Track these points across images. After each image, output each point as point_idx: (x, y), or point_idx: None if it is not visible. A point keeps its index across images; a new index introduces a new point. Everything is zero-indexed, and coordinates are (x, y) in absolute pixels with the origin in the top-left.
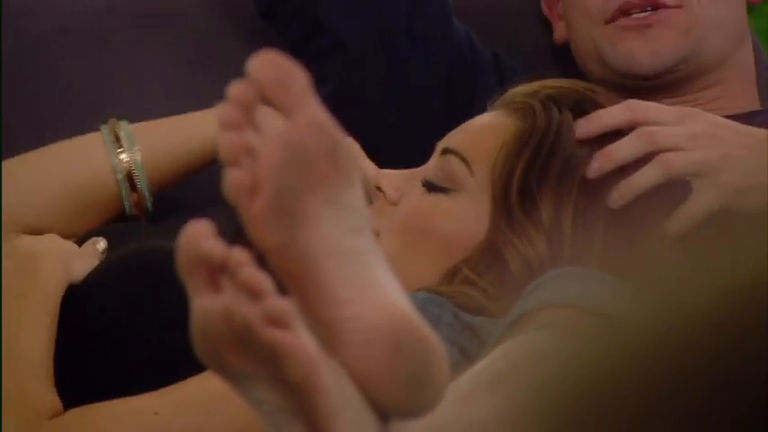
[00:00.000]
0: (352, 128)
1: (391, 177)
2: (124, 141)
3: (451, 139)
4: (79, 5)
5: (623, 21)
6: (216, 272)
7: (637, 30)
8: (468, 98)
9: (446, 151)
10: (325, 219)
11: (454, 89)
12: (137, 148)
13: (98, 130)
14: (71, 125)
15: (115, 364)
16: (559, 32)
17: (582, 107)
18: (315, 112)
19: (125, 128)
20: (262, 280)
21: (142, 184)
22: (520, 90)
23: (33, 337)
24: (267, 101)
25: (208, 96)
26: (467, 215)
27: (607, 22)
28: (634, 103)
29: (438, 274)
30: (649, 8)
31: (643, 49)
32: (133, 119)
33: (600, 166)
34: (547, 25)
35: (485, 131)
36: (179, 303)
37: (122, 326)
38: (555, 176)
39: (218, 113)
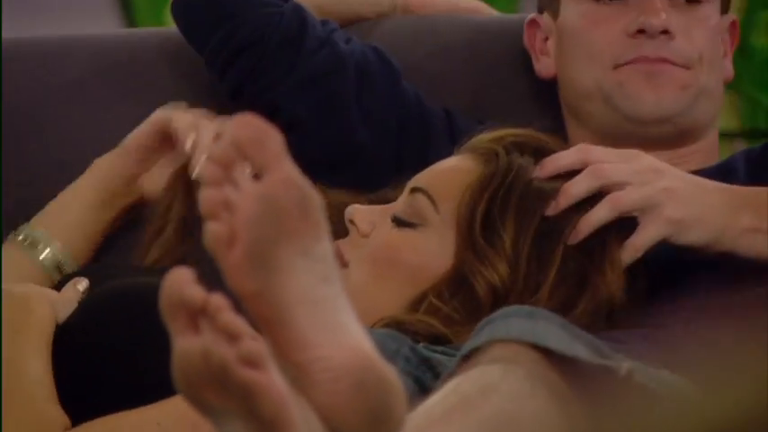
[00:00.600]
0: None
1: (363, 212)
2: (39, 242)
3: (419, 179)
4: (68, 69)
5: (634, 66)
6: (196, 315)
7: (645, 76)
8: (421, 157)
9: (414, 190)
10: (297, 269)
11: (405, 151)
12: (53, 243)
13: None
14: (64, 174)
15: (105, 392)
16: (545, 68)
17: (540, 152)
18: (288, 169)
19: (33, 231)
20: (238, 323)
21: (72, 266)
22: (485, 136)
23: (36, 363)
24: (245, 159)
25: None
26: (431, 248)
27: (616, 67)
28: (585, 147)
29: (404, 302)
30: (660, 63)
31: (649, 94)
32: None
33: (559, 202)
34: (502, 78)
35: (450, 173)
36: (160, 334)
37: (108, 357)
38: (514, 210)
39: (199, 171)
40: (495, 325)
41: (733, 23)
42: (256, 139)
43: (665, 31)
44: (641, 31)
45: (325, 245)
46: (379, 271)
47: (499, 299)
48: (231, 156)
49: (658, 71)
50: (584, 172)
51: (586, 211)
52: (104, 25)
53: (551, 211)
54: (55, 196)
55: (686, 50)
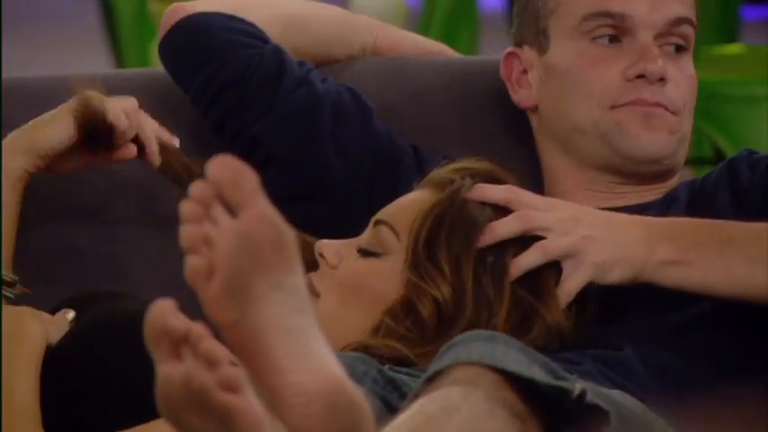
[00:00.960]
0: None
1: (331, 245)
2: None
3: (383, 212)
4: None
5: (632, 108)
6: (178, 343)
7: (643, 118)
8: (392, 191)
9: (378, 222)
10: (271, 300)
11: (377, 184)
12: None
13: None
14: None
15: (92, 416)
16: (525, 99)
17: (491, 182)
18: (263, 207)
19: None
20: (218, 350)
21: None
22: (442, 169)
23: (24, 384)
24: (222, 197)
25: None
26: (394, 274)
27: (612, 108)
28: (514, 188)
29: (370, 325)
30: (656, 107)
31: (646, 135)
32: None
33: (486, 238)
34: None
35: (409, 204)
36: (144, 357)
37: (99, 380)
38: (446, 235)
39: (181, 209)
40: (458, 348)
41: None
42: (233, 178)
43: (661, 78)
44: (640, 77)
45: (299, 278)
46: (346, 298)
47: (445, 319)
48: (210, 194)
49: (654, 114)
50: (513, 215)
51: (516, 250)
52: (94, 60)
53: (481, 243)
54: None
55: (676, 97)
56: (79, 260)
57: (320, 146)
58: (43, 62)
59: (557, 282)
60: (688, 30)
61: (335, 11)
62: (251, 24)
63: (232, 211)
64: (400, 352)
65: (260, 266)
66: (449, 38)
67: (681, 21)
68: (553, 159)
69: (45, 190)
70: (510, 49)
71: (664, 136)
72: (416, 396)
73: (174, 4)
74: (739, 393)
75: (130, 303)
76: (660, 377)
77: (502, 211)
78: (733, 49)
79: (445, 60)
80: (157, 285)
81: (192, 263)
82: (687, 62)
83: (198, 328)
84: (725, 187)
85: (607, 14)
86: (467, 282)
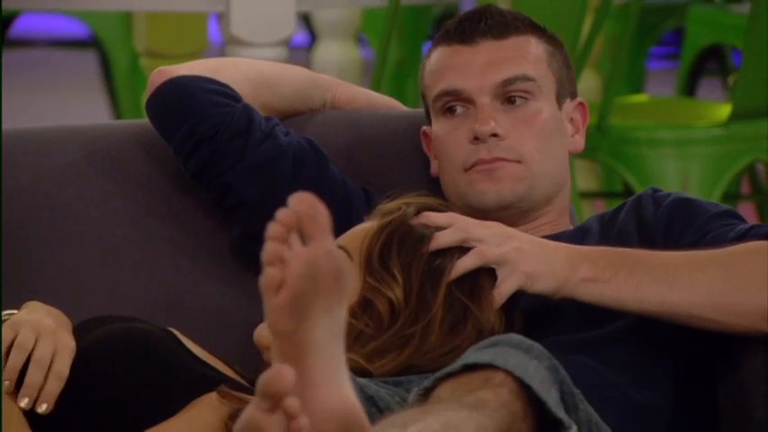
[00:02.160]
0: (255, 258)
1: None
2: None
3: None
4: (62, 155)
5: (476, 168)
6: (278, 405)
7: (486, 174)
8: (346, 223)
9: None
10: (321, 321)
11: (332, 217)
12: None
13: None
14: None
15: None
16: (434, 168)
17: (426, 209)
18: (330, 243)
19: None
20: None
21: None
22: (390, 203)
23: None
24: (299, 227)
25: None
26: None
27: (466, 170)
28: (454, 215)
29: None
30: (496, 162)
31: (490, 188)
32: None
33: (431, 245)
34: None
35: (360, 231)
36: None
37: (117, 386)
38: (397, 246)
39: (268, 229)
40: (499, 349)
41: (580, 104)
42: (311, 214)
43: (495, 135)
44: (476, 138)
45: (344, 309)
46: None
47: (396, 314)
48: (292, 222)
49: (495, 168)
50: (452, 227)
51: (457, 256)
52: (94, 109)
53: (428, 250)
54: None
55: (516, 147)
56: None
57: (282, 192)
58: (44, 110)
59: (491, 287)
60: (524, 84)
61: (300, 71)
62: (225, 85)
63: (304, 240)
64: (359, 364)
65: (319, 291)
66: (398, 85)
67: (512, 80)
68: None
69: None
70: (423, 128)
71: (509, 185)
72: (450, 376)
73: (159, 68)
74: (653, 403)
75: (135, 324)
76: (578, 385)
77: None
78: (640, 98)
79: (395, 113)
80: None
81: (269, 273)
82: (531, 110)
83: (294, 403)
84: (632, 221)
85: (446, 93)
86: (414, 284)
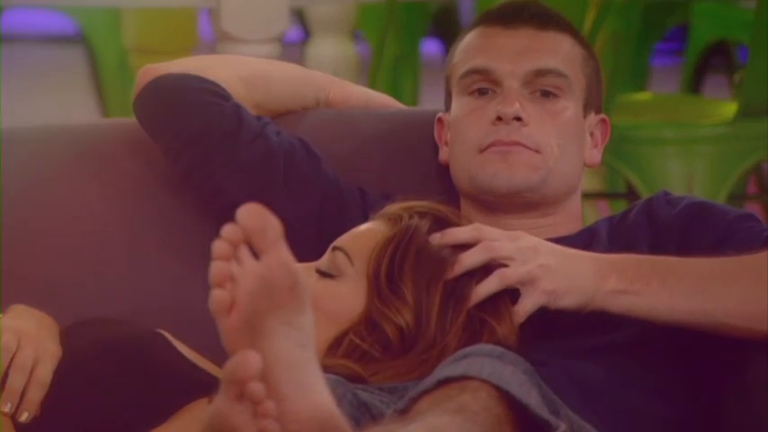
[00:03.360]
0: None
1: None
2: None
3: (340, 240)
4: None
5: (492, 148)
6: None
7: (501, 155)
8: (339, 230)
9: (335, 248)
10: (279, 334)
11: (324, 226)
12: None
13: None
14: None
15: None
16: (443, 155)
17: (437, 219)
18: (283, 254)
19: None
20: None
21: None
22: (394, 205)
23: None
24: (249, 241)
25: None
26: (347, 294)
27: (481, 151)
28: (479, 226)
29: (327, 341)
30: (514, 145)
31: (503, 171)
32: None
33: (455, 270)
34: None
35: (364, 234)
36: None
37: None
38: (411, 266)
39: (213, 247)
40: (472, 360)
41: (603, 121)
42: (260, 226)
43: (519, 118)
44: (499, 119)
45: (306, 317)
46: None
47: (407, 339)
48: (239, 237)
49: (512, 151)
50: (478, 247)
51: (480, 276)
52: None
53: (450, 275)
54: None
55: (537, 136)
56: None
57: (274, 193)
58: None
59: (512, 303)
60: (556, 80)
61: (293, 69)
62: (215, 84)
63: (256, 254)
64: (353, 371)
65: (274, 306)
66: (394, 83)
67: (544, 72)
68: (464, 205)
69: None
70: (438, 115)
71: (523, 171)
72: (425, 393)
73: (148, 65)
74: (660, 409)
75: (124, 328)
76: (585, 391)
77: (461, 246)
78: (643, 96)
79: (389, 112)
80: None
81: (217, 296)
82: (561, 106)
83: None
84: (643, 225)
85: (476, 71)
86: (432, 309)
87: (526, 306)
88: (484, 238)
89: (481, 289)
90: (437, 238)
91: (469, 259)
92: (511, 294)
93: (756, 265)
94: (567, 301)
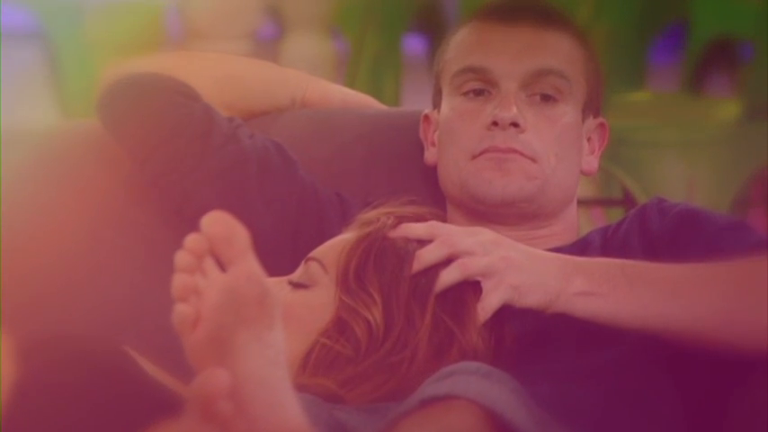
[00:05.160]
0: None
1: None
2: None
3: (315, 251)
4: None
5: (486, 155)
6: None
7: (496, 163)
8: (317, 238)
9: (309, 259)
10: (249, 352)
11: (301, 234)
12: None
13: None
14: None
15: None
16: (430, 156)
17: (409, 221)
18: (251, 265)
19: None
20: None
21: None
22: (372, 212)
23: None
24: (214, 252)
25: None
26: (321, 303)
27: (474, 157)
28: (435, 224)
29: (298, 354)
30: (510, 152)
31: (497, 180)
32: None
33: (414, 266)
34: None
35: (337, 243)
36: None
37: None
38: (374, 263)
39: (175, 258)
40: (456, 378)
41: (601, 125)
42: (226, 235)
43: (515, 124)
44: (495, 124)
45: (276, 333)
46: None
47: (375, 337)
48: (203, 247)
49: (507, 159)
50: (436, 242)
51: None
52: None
53: (409, 272)
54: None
55: (534, 144)
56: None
57: (246, 200)
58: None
59: (475, 303)
60: (556, 81)
61: (265, 67)
62: (183, 84)
63: (222, 265)
64: (330, 390)
65: (242, 321)
66: (375, 82)
67: (545, 72)
68: (450, 212)
69: None
70: (425, 112)
71: (518, 181)
72: (407, 413)
73: (112, 65)
74: None
75: (83, 344)
76: (573, 414)
77: (426, 243)
78: (640, 96)
79: (371, 112)
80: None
81: (180, 310)
82: (558, 111)
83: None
84: (636, 233)
85: (471, 69)
86: (398, 305)
87: (491, 301)
88: (439, 234)
89: (442, 279)
90: (394, 232)
91: (428, 254)
92: (476, 296)
93: (736, 271)
94: (531, 299)
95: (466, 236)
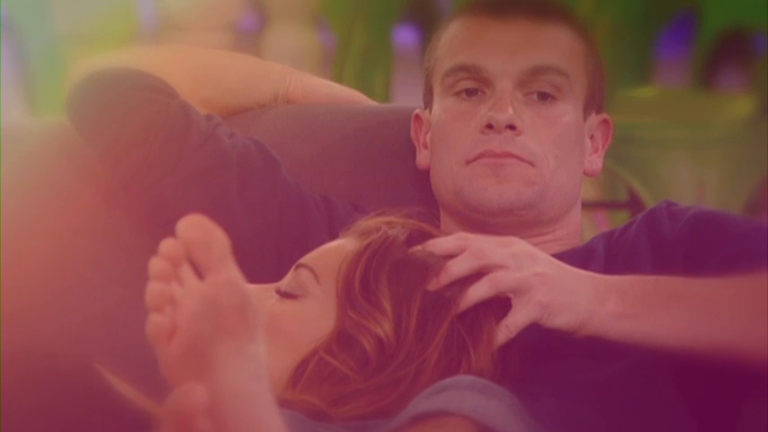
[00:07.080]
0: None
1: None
2: None
3: (306, 257)
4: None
5: (481, 160)
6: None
7: (492, 168)
8: (301, 245)
9: (299, 266)
10: (230, 365)
11: (285, 240)
12: None
13: None
14: None
15: None
16: (423, 159)
17: (416, 233)
18: (231, 272)
19: None
20: None
21: None
22: (370, 220)
23: None
24: (191, 258)
25: None
26: (311, 315)
27: (468, 162)
28: (464, 235)
29: (286, 369)
30: (506, 157)
31: (493, 186)
32: None
33: (440, 279)
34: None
35: (333, 250)
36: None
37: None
38: (387, 276)
39: (150, 266)
40: (450, 394)
41: (605, 122)
42: (204, 240)
43: (512, 127)
44: (490, 126)
45: (258, 345)
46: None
47: (386, 354)
48: (179, 254)
49: (504, 164)
50: (466, 253)
51: (469, 283)
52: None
53: (433, 285)
54: None
55: (532, 147)
56: None
57: (227, 204)
58: None
59: (496, 321)
60: (554, 78)
61: (246, 60)
62: (158, 80)
63: (199, 273)
64: (315, 406)
65: (221, 332)
66: (364, 76)
67: (542, 69)
68: (443, 217)
69: None
70: (416, 111)
71: (516, 187)
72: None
73: (83, 59)
74: None
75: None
76: (579, 431)
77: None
78: (647, 91)
79: (359, 108)
80: None
81: (155, 321)
82: (557, 110)
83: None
84: (644, 240)
85: (463, 68)
86: (411, 319)
87: (517, 319)
88: (469, 246)
89: (471, 294)
90: (416, 247)
91: (457, 267)
92: (496, 314)
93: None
94: (562, 319)
95: (498, 247)
